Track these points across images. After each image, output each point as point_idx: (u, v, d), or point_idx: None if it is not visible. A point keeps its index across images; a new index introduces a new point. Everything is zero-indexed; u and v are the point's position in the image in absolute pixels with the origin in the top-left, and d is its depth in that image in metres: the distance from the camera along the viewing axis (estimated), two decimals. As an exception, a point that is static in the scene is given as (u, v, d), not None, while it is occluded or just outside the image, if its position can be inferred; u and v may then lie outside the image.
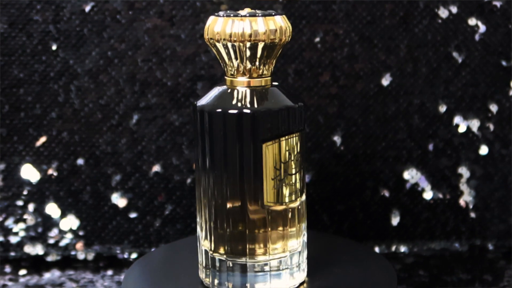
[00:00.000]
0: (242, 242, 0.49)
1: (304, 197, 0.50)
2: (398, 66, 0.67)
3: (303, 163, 0.50)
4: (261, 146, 0.48)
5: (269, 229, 0.49)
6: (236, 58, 0.48)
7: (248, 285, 0.49)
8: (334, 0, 0.66)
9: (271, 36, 0.48)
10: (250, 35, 0.47)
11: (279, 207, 0.49)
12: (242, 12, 0.48)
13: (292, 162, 0.49)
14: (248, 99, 0.48)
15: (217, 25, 0.48)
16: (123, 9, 0.66)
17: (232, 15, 0.48)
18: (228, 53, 0.48)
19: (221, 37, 0.48)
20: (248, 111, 0.48)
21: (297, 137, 0.49)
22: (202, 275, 0.52)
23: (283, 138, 0.48)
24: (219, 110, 0.48)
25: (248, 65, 0.49)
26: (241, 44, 0.48)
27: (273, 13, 0.48)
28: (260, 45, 0.48)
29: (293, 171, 0.49)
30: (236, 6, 0.66)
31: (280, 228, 0.49)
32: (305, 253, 0.51)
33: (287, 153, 0.48)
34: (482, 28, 0.67)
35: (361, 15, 0.66)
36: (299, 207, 0.50)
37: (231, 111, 0.48)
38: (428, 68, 0.67)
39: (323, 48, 0.67)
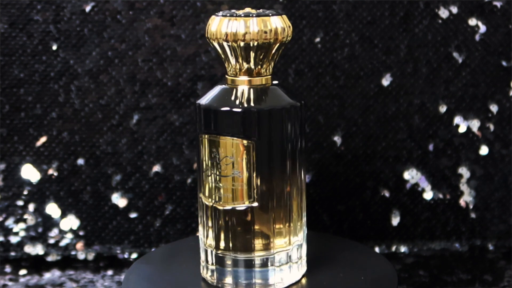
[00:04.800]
0: (225, 238, 0.50)
1: (249, 204, 0.50)
2: (399, 66, 0.67)
3: (251, 171, 0.49)
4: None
5: (245, 226, 0.50)
6: (237, 57, 0.49)
7: (229, 278, 0.51)
8: (335, 0, 0.66)
9: (273, 35, 0.48)
10: (252, 35, 0.48)
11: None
12: (243, 12, 0.48)
13: (220, 163, 0.49)
14: (246, 98, 0.49)
15: (219, 25, 0.48)
16: (124, 9, 0.66)
17: (233, 15, 0.48)
18: (230, 53, 0.49)
19: (223, 36, 0.48)
20: (239, 109, 0.48)
21: (226, 141, 0.49)
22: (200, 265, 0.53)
23: (205, 136, 0.49)
24: (216, 108, 0.49)
25: (249, 64, 0.49)
26: (242, 43, 0.48)
27: (274, 13, 0.49)
28: (262, 45, 0.48)
29: (226, 174, 0.49)
30: (237, 7, 0.66)
31: (257, 227, 0.50)
32: (294, 254, 0.51)
33: (211, 153, 0.49)
34: (483, 28, 0.67)
35: (361, 15, 0.66)
36: (259, 209, 0.50)
37: (223, 109, 0.48)
38: (429, 68, 0.67)
39: (323, 48, 0.67)
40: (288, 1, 0.66)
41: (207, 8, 0.66)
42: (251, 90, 0.49)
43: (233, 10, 0.50)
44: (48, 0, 0.65)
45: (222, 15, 0.49)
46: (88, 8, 0.66)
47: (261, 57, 0.49)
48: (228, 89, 0.50)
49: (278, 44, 0.49)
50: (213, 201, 0.50)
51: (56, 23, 0.66)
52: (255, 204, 0.49)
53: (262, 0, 0.66)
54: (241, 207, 0.49)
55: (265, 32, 0.48)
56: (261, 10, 0.49)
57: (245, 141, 0.48)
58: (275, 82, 0.51)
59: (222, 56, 0.49)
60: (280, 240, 0.50)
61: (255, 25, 0.48)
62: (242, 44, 0.48)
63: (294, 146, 0.50)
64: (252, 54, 0.48)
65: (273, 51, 0.49)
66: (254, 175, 0.49)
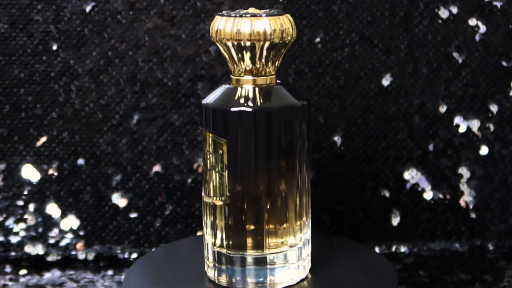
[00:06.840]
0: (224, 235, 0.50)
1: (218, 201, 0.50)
2: (399, 66, 0.67)
3: (222, 167, 0.49)
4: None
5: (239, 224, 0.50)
6: (243, 57, 0.49)
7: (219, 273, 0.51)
8: (335, 0, 0.66)
9: (279, 35, 0.48)
10: (257, 35, 0.48)
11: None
12: (248, 12, 0.49)
13: (208, 157, 0.50)
14: (251, 97, 0.49)
15: (224, 25, 0.48)
16: (124, 9, 0.66)
17: (238, 14, 0.48)
18: (235, 52, 0.49)
19: (228, 36, 0.48)
20: (248, 109, 0.48)
21: (213, 138, 0.49)
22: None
23: (208, 135, 0.49)
24: (221, 108, 0.49)
25: (254, 64, 0.49)
26: (248, 43, 0.48)
27: (279, 13, 0.49)
28: (268, 45, 0.48)
29: (209, 167, 0.50)
30: (237, 7, 0.66)
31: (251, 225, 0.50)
32: (281, 256, 0.51)
33: (212, 152, 0.50)
34: (483, 28, 0.67)
35: (362, 15, 0.66)
36: (240, 206, 0.50)
37: (233, 109, 0.48)
38: (429, 68, 0.67)
39: (323, 48, 0.67)
40: (288, 1, 0.66)
41: (207, 8, 0.66)
42: (256, 89, 0.49)
43: (237, 10, 0.50)
44: (48, 0, 0.65)
45: (218, 14, 0.49)
46: (88, 8, 0.66)
47: (251, 57, 0.49)
48: (232, 88, 0.50)
49: (267, 45, 0.48)
50: (214, 197, 0.50)
51: (56, 23, 0.66)
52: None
53: (262, 0, 0.66)
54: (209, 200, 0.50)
55: (249, 33, 0.48)
56: (261, 11, 0.49)
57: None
58: (279, 81, 0.51)
59: (227, 55, 0.50)
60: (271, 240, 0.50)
61: (239, 25, 0.48)
62: (229, 43, 0.48)
63: (299, 146, 0.50)
64: (234, 54, 0.49)
65: (264, 51, 0.49)
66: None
